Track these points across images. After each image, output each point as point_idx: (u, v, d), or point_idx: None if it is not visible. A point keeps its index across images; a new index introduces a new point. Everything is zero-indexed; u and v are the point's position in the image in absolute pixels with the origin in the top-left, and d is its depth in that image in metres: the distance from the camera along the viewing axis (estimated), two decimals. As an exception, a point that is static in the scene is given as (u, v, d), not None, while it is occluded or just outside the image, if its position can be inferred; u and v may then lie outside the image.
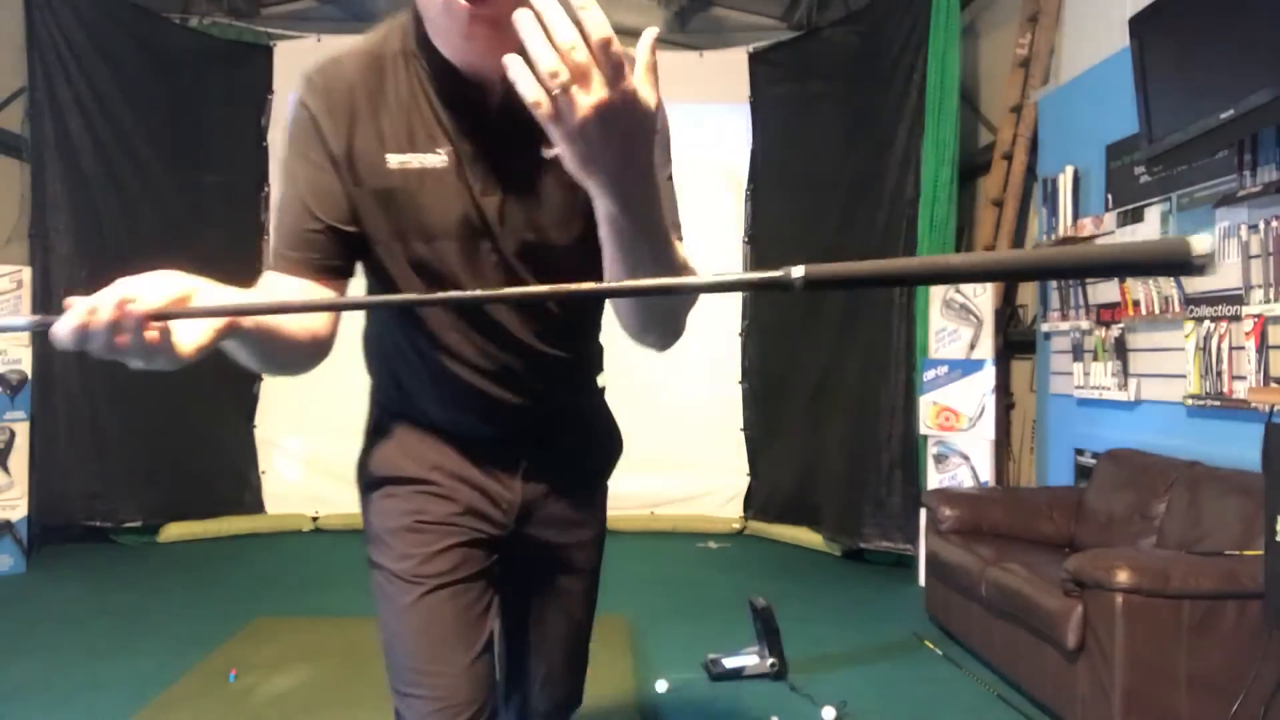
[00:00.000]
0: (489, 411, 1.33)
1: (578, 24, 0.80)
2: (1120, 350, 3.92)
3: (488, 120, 1.17)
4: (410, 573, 1.33)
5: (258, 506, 6.04)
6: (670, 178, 1.24)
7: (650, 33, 0.85)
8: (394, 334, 1.33)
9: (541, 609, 1.48)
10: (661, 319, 1.16)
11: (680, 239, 1.19)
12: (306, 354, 1.16)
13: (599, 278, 1.09)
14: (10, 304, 4.89)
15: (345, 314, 1.22)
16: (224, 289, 0.98)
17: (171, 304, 0.88)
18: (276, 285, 1.16)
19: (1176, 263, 0.75)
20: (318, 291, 1.17)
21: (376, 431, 1.42)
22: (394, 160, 1.18)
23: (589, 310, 1.40)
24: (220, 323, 0.95)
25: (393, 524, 1.35)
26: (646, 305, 1.13)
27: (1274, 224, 3.03)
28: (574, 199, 1.19)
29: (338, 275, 1.20)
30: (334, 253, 1.18)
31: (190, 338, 0.92)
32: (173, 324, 0.90)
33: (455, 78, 1.16)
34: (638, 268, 1.00)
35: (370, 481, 1.40)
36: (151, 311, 0.87)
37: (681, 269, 1.06)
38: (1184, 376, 3.49)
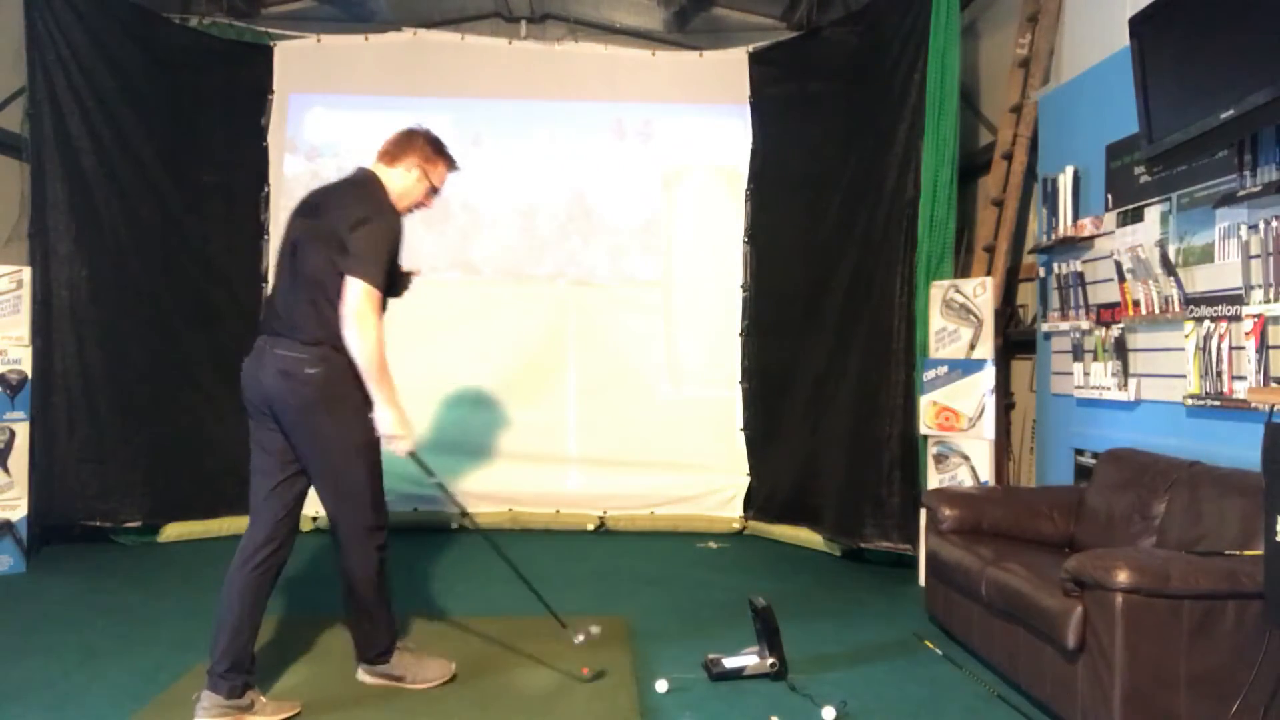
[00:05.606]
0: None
1: None
2: (1120, 350, 3.92)
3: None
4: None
5: (258, 506, 6.03)
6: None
7: None
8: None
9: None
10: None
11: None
12: None
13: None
14: (10, 304, 4.90)
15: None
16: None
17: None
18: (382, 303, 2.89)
19: None
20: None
21: (353, 374, 2.86)
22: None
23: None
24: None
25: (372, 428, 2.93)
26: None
27: (1274, 224, 3.03)
28: None
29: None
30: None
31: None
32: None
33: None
34: None
35: (362, 400, 2.88)
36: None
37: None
38: (1184, 376, 3.49)
